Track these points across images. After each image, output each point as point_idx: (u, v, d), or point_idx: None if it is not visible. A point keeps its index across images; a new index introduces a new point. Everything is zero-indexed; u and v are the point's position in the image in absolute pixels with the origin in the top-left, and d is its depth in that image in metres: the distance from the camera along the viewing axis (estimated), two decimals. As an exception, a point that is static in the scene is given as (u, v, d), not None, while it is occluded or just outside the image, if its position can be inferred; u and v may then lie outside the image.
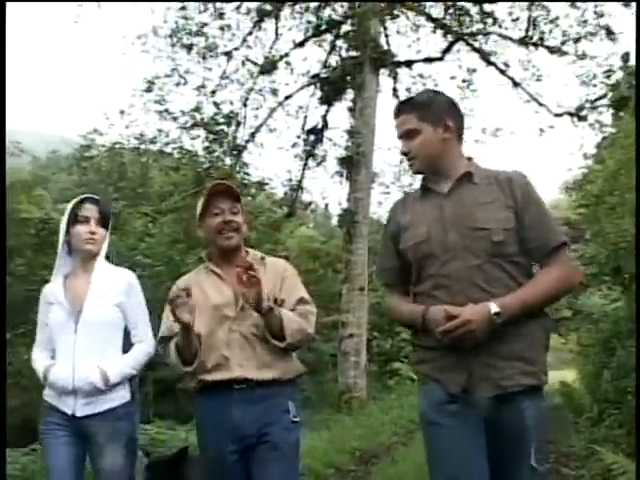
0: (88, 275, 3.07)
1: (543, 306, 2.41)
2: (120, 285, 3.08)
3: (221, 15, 15.22)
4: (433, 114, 2.51)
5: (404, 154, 2.60)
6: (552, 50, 13.26)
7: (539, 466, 2.31)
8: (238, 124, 14.81)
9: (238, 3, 15.17)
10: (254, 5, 15.11)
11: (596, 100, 12.05)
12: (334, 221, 18.82)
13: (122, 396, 3.01)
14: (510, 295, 2.33)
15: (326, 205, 16.98)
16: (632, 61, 9.41)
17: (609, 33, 12.57)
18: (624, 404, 5.16)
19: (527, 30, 13.47)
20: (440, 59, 14.27)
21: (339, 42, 14.82)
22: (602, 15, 13.03)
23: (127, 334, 3.12)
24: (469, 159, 2.60)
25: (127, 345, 3.11)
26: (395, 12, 14.59)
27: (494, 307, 2.27)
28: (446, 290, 2.41)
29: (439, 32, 14.50)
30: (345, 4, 14.63)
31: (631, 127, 5.75)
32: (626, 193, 5.22)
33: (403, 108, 2.60)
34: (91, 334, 2.98)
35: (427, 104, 2.55)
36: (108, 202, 2.96)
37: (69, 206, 3.11)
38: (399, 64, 14.27)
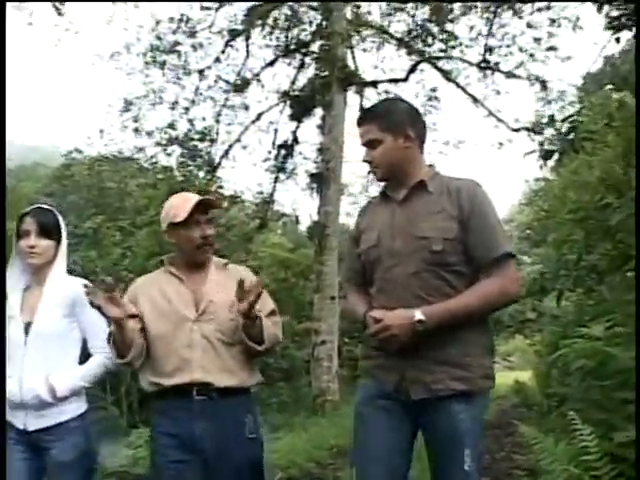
0: (41, 287, 2.98)
1: (477, 315, 2.40)
2: (71, 295, 2.94)
3: (193, 34, 15.71)
4: (394, 124, 2.53)
5: (367, 162, 2.62)
6: (507, 75, 14.08)
7: (471, 469, 2.34)
8: (212, 141, 15.36)
9: (210, 22, 15.76)
10: (225, 25, 15.70)
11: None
12: (302, 227, 19.33)
13: (75, 408, 2.92)
14: (439, 304, 2.35)
15: (297, 217, 17.53)
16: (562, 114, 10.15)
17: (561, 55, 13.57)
18: (567, 399, 5.86)
19: (484, 55, 14.28)
20: (404, 80, 14.89)
21: (308, 59, 15.47)
22: (553, 35, 13.93)
23: (85, 345, 3.04)
24: (430, 166, 2.62)
25: (85, 356, 3.04)
26: (362, 32, 15.30)
27: (418, 314, 2.30)
28: (387, 294, 2.46)
29: (403, 51, 15.26)
30: (314, 24, 15.30)
31: (574, 150, 6.39)
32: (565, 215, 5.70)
33: (365, 118, 2.63)
34: (41, 347, 2.89)
35: (388, 114, 2.57)
36: (52, 212, 3.06)
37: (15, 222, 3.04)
38: (366, 84, 14.91)
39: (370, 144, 2.57)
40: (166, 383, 2.68)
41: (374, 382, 2.55)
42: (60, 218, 3.09)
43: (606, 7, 6.25)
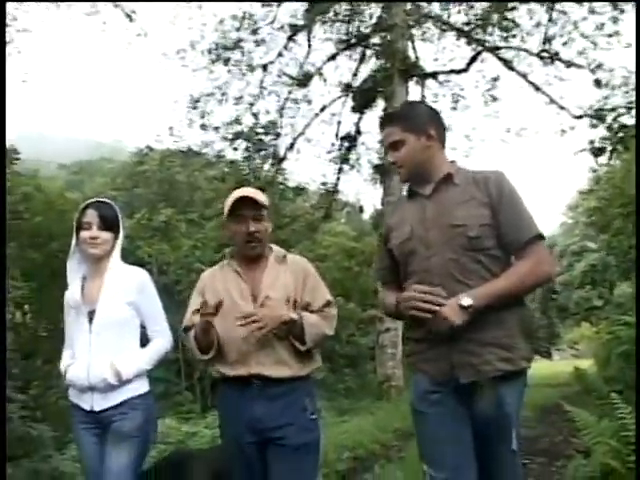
0: (101, 276, 3.11)
1: (515, 297, 2.45)
2: (131, 284, 3.10)
3: (256, 30, 16.01)
4: (415, 124, 2.59)
5: (392, 164, 2.67)
6: (568, 64, 13.96)
7: (516, 449, 2.44)
8: (277, 134, 15.75)
9: (272, 18, 16.11)
10: (287, 20, 16.02)
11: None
12: (365, 216, 19.53)
13: (137, 388, 3.06)
14: (480, 287, 2.40)
15: (360, 206, 17.80)
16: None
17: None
18: (625, 384, 6.05)
19: (544, 43, 14.19)
20: (465, 70, 14.98)
21: (368, 52, 15.65)
22: (616, 21, 13.71)
23: (144, 330, 3.17)
24: (452, 162, 2.68)
25: (145, 341, 3.16)
26: (422, 24, 15.38)
27: (463, 297, 2.36)
28: (428, 284, 2.47)
29: (463, 40, 15.28)
30: (374, 16, 15.50)
31: (625, 147, 6.55)
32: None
33: (387, 121, 2.70)
34: (105, 333, 3.03)
35: (409, 115, 2.64)
36: (111, 206, 3.22)
37: (77, 214, 3.18)
38: (426, 75, 15.08)
39: (393, 146, 2.63)
40: (229, 373, 2.86)
41: (424, 376, 2.57)
42: (118, 211, 3.23)
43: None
